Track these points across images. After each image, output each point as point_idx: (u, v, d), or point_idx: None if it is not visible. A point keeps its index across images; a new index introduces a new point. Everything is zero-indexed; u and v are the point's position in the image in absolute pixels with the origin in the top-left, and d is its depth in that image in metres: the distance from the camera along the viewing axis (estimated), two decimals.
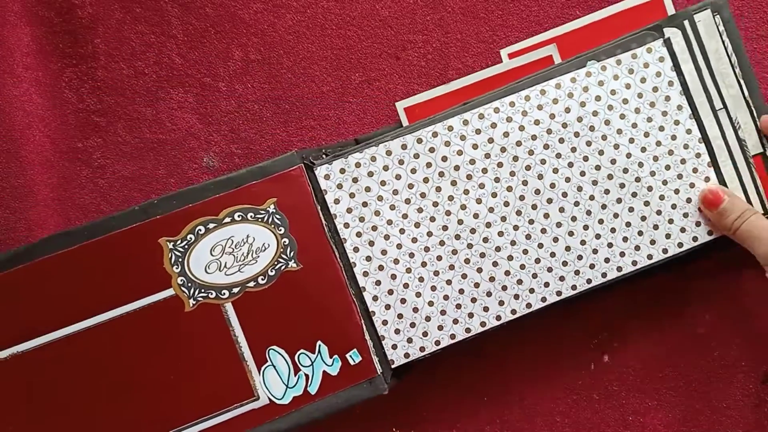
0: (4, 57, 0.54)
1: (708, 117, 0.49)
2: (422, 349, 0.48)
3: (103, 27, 0.54)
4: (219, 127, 0.54)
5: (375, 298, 0.48)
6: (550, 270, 0.48)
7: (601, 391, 0.54)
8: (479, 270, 0.48)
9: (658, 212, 0.48)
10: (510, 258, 0.48)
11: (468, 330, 0.48)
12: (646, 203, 0.48)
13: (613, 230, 0.48)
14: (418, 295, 0.48)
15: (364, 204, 0.48)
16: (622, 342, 0.54)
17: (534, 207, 0.48)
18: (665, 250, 0.49)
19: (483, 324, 0.48)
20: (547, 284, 0.48)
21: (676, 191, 0.49)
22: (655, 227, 0.48)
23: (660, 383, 0.54)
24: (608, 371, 0.54)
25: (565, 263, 0.48)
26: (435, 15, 0.54)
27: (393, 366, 0.48)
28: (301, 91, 0.54)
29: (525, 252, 0.48)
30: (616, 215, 0.48)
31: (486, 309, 0.48)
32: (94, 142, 0.54)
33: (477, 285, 0.48)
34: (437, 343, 0.48)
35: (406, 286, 0.48)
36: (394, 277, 0.48)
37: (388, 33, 0.54)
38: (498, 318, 0.48)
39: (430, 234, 0.48)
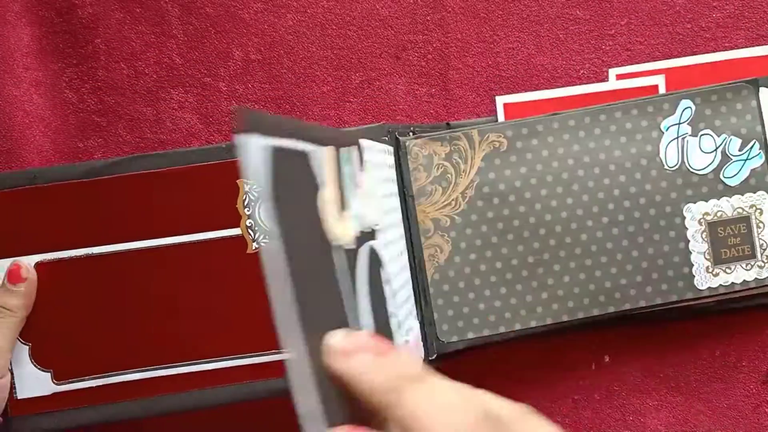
0: (4, 57, 0.54)
1: None
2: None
3: (104, 27, 0.54)
4: (220, 127, 0.54)
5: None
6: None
7: (601, 391, 0.54)
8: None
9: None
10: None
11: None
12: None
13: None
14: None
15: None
16: (623, 342, 0.53)
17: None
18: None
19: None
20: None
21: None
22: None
23: (661, 383, 0.54)
24: (609, 371, 0.53)
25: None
26: (435, 15, 0.55)
27: (435, 351, 0.48)
28: (301, 91, 0.54)
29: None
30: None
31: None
32: (94, 142, 0.54)
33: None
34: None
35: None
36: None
37: (388, 33, 0.54)
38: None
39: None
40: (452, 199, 0.49)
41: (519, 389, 0.53)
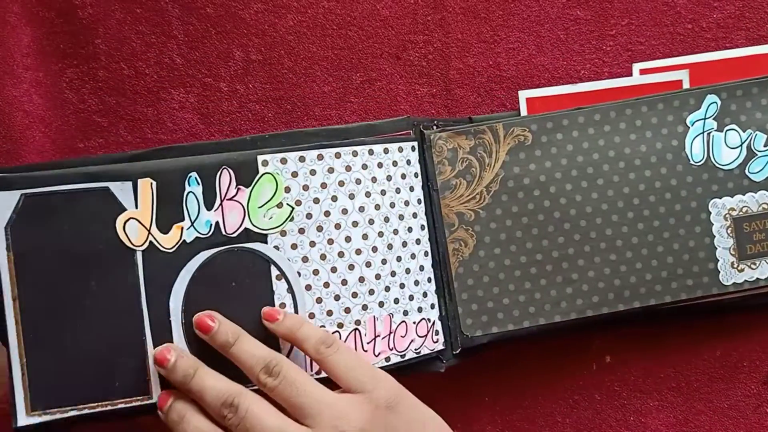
0: (4, 58, 0.53)
1: None
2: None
3: (104, 27, 0.53)
4: (221, 128, 0.53)
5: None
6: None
7: (602, 392, 0.53)
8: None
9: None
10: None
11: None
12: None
13: None
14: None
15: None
16: (624, 342, 0.53)
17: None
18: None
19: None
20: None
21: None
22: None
23: (661, 384, 0.53)
24: (610, 371, 0.53)
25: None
26: (436, 15, 0.54)
27: (460, 345, 0.48)
28: (302, 92, 0.53)
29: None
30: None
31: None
32: (95, 143, 0.54)
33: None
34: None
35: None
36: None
37: (389, 33, 0.54)
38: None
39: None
40: (477, 193, 0.48)
41: (519, 389, 0.53)
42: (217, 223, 0.43)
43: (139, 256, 0.42)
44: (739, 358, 0.53)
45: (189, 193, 0.43)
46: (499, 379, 0.53)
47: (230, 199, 0.44)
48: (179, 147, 0.45)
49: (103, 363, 0.42)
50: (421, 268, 0.47)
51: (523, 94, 0.51)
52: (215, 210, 0.43)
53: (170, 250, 0.43)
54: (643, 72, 0.52)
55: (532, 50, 0.53)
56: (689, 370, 0.53)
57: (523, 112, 0.51)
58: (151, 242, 0.43)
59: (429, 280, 0.47)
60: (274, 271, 0.44)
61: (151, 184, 0.43)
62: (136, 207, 0.42)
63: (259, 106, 0.53)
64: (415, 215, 0.47)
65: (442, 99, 0.53)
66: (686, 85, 0.51)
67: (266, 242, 0.44)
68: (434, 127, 0.49)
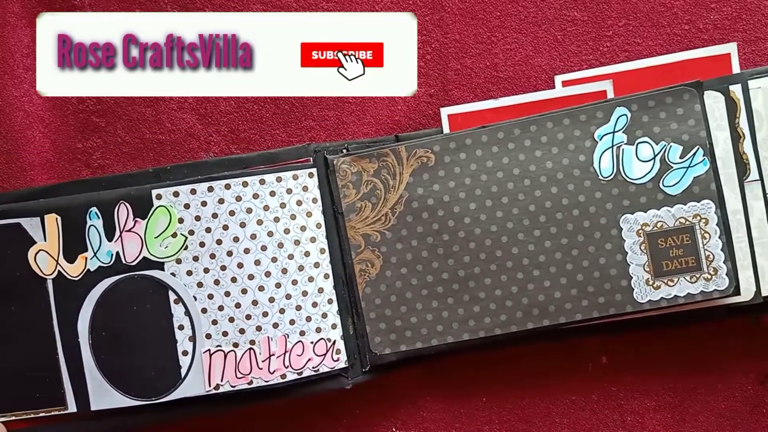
0: (4, 58, 0.54)
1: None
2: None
3: None
4: (219, 128, 0.54)
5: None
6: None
7: (599, 392, 0.53)
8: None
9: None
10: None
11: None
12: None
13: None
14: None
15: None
16: (621, 343, 0.53)
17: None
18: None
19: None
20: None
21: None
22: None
23: (659, 384, 0.53)
24: (607, 372, 0.53)
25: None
26: (434, 16, 0.55)
27: (369, 362, 0.49)
28: None
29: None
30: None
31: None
32: (93, 143, 0.54)
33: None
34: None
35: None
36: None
37: None
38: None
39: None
40: (382, 215, 0.49)
41: (517, 389, 0.53)
42: (117, 253, 0.48)
43: (50, 284, 0.47)
44: (737, 359, 0.53)
45: (91, 226, 0.48)
46: (496, 380, 0.53)
47: (129, 230, 0.48)
48: (85, 181, 0.50)
49: (25, 378, 0.48)
50: (320, 290, 0.49)
51: (445, 111, 0.52)
52: (115, 241, 0.48)
53: (76, 278, 0.48)
54: (565, 84, 0.52)
55: (529, 51, 0.53)
56: (686, 370, 0.53)
57: (446, 129, 0.52)
58: (59, 271, 0.48)
59: (330, 301, 0.49)
60: (172, 296, 0.48)
61: (56, 219, 0.47)
62: (45, 240, 0.48)
63: (257, 106, 0.53)
64: (313, 239, 0.49)
65: (440, 99, 0.53)
66: (610, 95, 0.50)
67: (163, 269, 0.48)
68: (343, 151, 0.49)
